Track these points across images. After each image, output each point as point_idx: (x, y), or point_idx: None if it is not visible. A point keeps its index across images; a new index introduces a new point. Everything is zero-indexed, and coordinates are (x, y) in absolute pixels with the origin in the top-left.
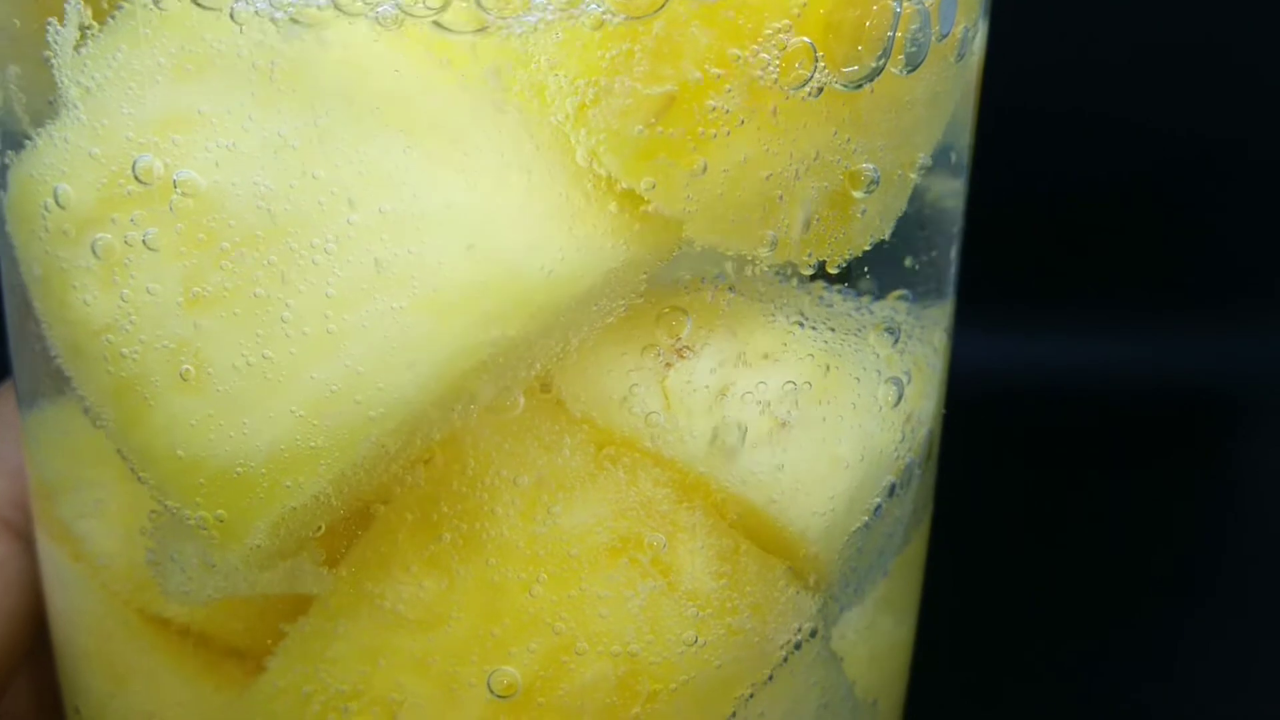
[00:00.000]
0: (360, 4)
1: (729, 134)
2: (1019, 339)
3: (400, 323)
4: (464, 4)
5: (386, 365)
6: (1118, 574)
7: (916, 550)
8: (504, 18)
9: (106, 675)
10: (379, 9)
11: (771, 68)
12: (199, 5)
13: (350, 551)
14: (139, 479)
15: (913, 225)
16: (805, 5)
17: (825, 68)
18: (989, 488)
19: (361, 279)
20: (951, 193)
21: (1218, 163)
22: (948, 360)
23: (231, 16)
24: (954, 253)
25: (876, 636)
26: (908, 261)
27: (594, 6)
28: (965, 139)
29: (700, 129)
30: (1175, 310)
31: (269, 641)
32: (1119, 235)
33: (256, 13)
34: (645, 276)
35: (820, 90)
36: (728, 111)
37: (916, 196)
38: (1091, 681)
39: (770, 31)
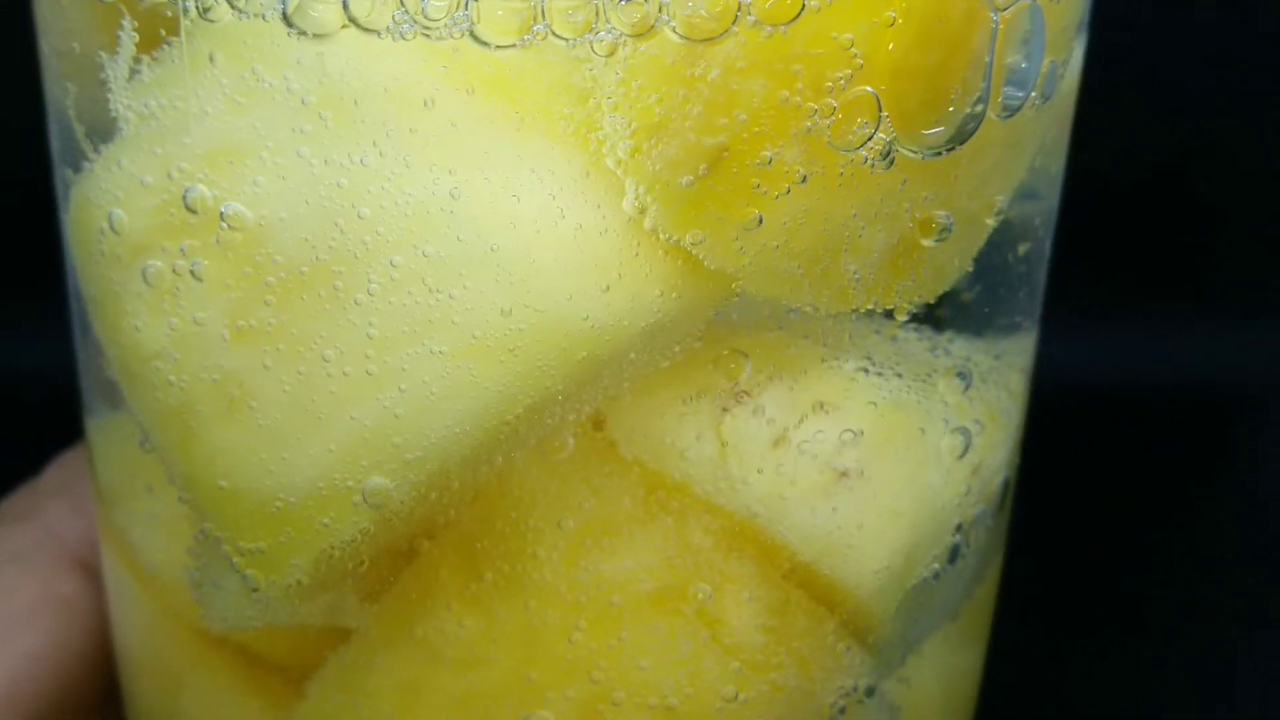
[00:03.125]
0: (414, 27)
1: (788, 191)
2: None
3: (439, 368)
4: (529, 30)
5: (424, 410)
6: (1120, 574)
7: (986, 592)
8: (568, 37)
9: (159, 686)
10: (433, 32)
11: (830, 126)
12: (250, 38)
13: (392, 586)
14: (183, 503)
15: (987, 266)
16: (870, 58)
17: (895, 133)
18: None
19: (403, 321)
20: (1033, 228)
21: (1224, 160)
22: (1025, 403)
23: (282, 47)
24: (1035, 283)
25: (939, 679)
26: (981, 302)
27: (664, 24)
28: (1054, 168)
29: (755, 182)
30: (1183, 306)
31: (314, 663)
32: (1123, 232)
33: (305, 41)
34: (701, 324)
35: (888, 155)
36: (786, 166)
37: (994, 238)
38: (1094, 681)
39: (832, 85)
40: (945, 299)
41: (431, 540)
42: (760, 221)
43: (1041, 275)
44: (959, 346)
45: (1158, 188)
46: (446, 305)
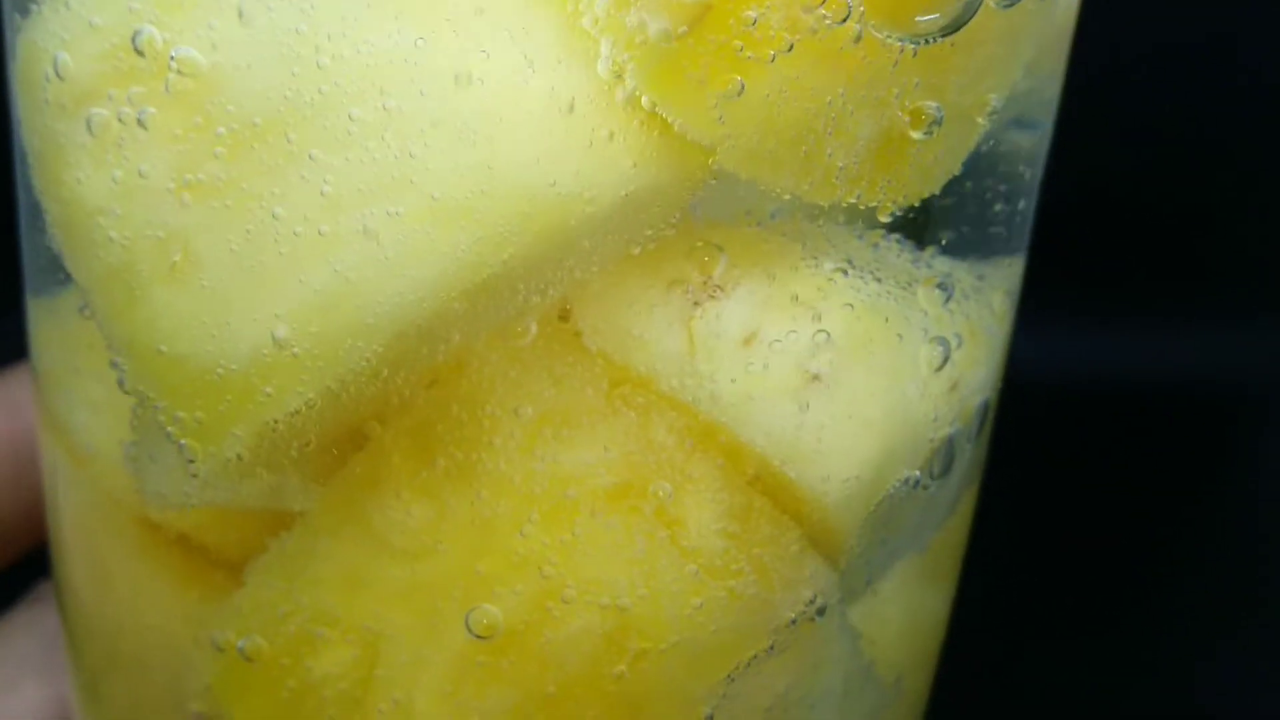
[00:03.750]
0: None
1: (772, 58)
2: (1024, 336)
3: (396, 231)
4: None
5: (379, 275)
6: (1119, 575)
7: (958, 527)
8: None
9: (93, 573)
10: None
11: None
12: None
13: (341, 470)
14: (121, 373)
15: (978, 175)
16: None
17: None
18: (992, 484)
19: (359, 179)
20: (1027, 144)
21: (1225, 160)
22: (1010, 328)
23: None
24: (1024, 210)
25: (904, 614)
26: (970, 214)
27: None
28: (1050, 91)
29: (738, 45)
30: (1182, 306)
31: (254, 554)
32: (1123, 231)
33: None
34: (675, 210)
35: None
36: (772, 29)
37: (987, 145)
38: (1095, 680)
39: None
40: (931, 211)
41: (384, 424)
42: (741, 90)
43: (1030, 206)
44: (942, 262)
45: (1157, 187)
46: (406, 164)
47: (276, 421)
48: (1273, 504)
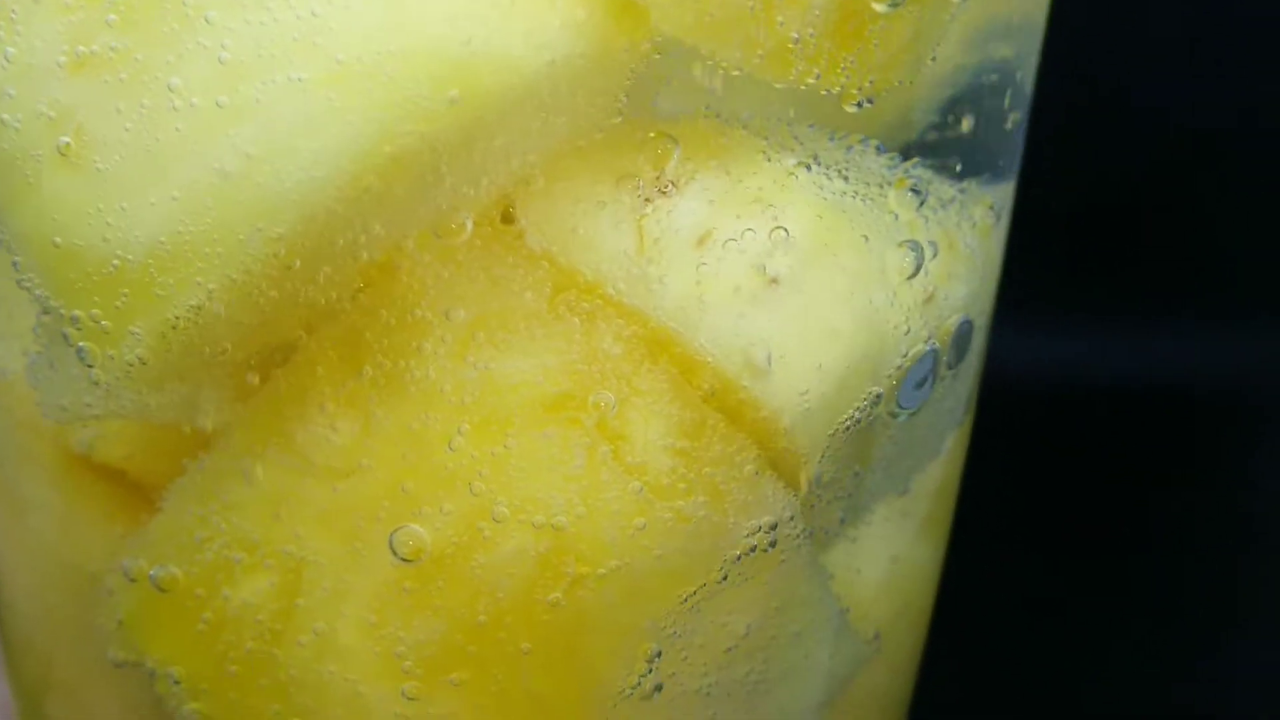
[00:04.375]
0: None
1: None
2: (1019, 338)
3: (299, 99)
4: None
5: (280, 150)
6: (1118, 574)
7: (946, 471)
8: None
9: (6, 509)
10: None
11: None
12: None
13: (265, 384)
14: (20, 273)
15: (958, 73)
16: None
17: None
18: (989, 487)
19: (260, 43)
20: (1014, 52)
21: (1223, 160)
22: (996, 251)
23: None
24: (1013, 125)
25: (884, 562)
26: (948, 119)
27: None
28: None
29: None
30: (1182, 306)
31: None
32: (1121, 233)
33: None
34: (619, 91)
35: None
36: None
37: (968, 42)
38: (1094, 680)
39: None
40: (905, 112)
41: (308, 333)
42: None
43: (1021, 123)
44: (919, 170)
45: (1157, 186)
46: (308, 23)
47: (178, 318)
48: (1272, 505)
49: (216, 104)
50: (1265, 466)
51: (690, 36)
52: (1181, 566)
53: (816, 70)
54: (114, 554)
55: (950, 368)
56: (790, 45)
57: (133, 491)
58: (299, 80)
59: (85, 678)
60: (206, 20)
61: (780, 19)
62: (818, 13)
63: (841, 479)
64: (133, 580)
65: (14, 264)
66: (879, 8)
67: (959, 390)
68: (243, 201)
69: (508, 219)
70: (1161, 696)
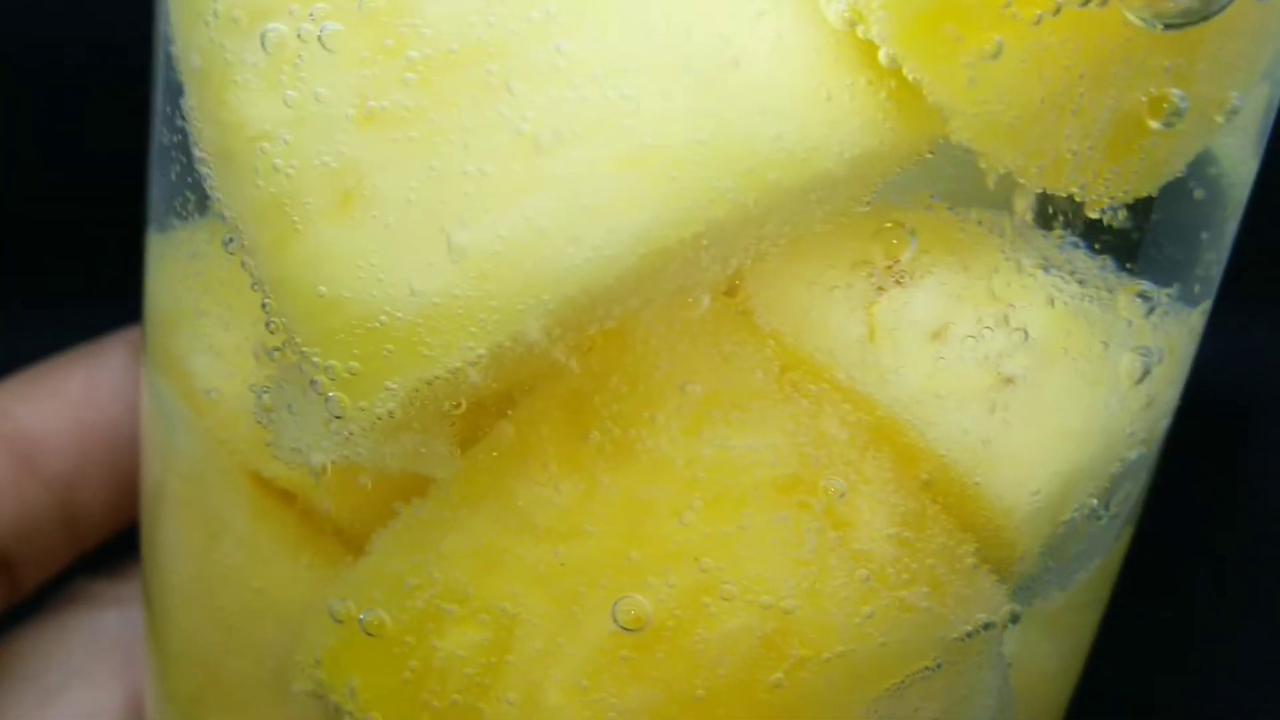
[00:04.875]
0: None
1: (1038, 19)
2: None
3: (598, 178)
4: None
5: (573, 225)
6: (1121, 573)
7: (1106, 569)
8: None
9: (197, 527)
10: None
11: None
12: None
13: (487, 438)
14: (270, 314)
15: (1198, 188)
16: None
17: None
18: None
19: (562, 119)
20: (1246, 163)
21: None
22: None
23: None
24: (1225, 240)
25: (1045, 655)
26: (1170, 239)
27: None
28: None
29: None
30: None
31: (379, 524)
32: None
33: None
34: (875, 183)
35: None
36: None
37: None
38: (1095, 681)
39: None
40: (1135, 221)
41: (536, 391)
42: (999, 50)
43: (1229, 239)
44: (1142, 276)
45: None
46: (616, 104)
47: (436, 378)
48: (1272, 505)
49: (510, 173)
50: (1265, 466)
51: (981, 142)
52: (1181, 566)
53: (1084, 180)
54: (317, 591)
55: (1148, 469)
56: (1069, 155)
57: (334, 529)
58: (600, 160)
59: (253, 700)
60: (510, 90)
61: (1068, 132)
62: (1099, 128)
63: (1040, 576)
64: (339, 621)
65: (264, 304)
66: (1155, 124)
67: (1144, 485)
68: (526, 272)
69: (731, 291)
70: (1161, 696)
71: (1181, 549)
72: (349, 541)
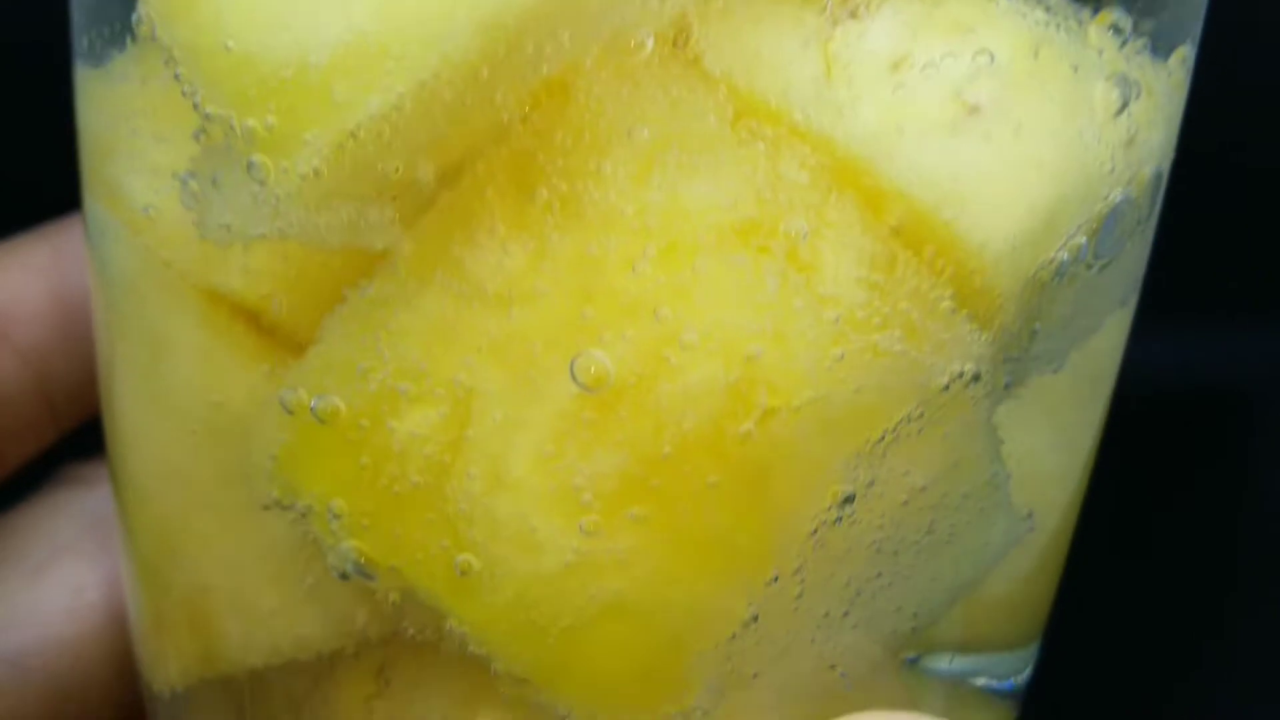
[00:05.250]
0: None
1: None
2: None
3: None
4: None
5: None
6: (1115, 576)
7: (1102, 353)
8: None
9: (146, 345)
10: None
11: None
12: None
13: (430, 208)
14: (184, 86)
15: None
16: None
17: None
18: None
19: None
20: None
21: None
22: (1178, 114)
23: None
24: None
25: (1044, 433)
26: None
27: None
28: None
29: None
30: (1181, 306)
31: (327, 312)
32: None
33: None
34: None
35: None
36: None
37: None
38: (1094, 680)
39: None
40: None
41: (479, 155)
42: None
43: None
44: (1117, 10)
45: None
46: None
47: (358, 126)
48: (1272, 505)
49: None
50: (1265, 466)
51: None
52: (1181, 566)
53: None
54: (267, 388)
55: (1139, 222)
56: None
57: (281, 335)
58: None
59: (221, 530)
60: None
61: None
62: None
63: (1022, 335)
64: (290, 413)
65: (175, 75)
66: None
67: (1136, 254)
68: (435, 2)
69: (680, 41)
70: (1161, 697)
71: (1181, 549)
72: (299, 337)
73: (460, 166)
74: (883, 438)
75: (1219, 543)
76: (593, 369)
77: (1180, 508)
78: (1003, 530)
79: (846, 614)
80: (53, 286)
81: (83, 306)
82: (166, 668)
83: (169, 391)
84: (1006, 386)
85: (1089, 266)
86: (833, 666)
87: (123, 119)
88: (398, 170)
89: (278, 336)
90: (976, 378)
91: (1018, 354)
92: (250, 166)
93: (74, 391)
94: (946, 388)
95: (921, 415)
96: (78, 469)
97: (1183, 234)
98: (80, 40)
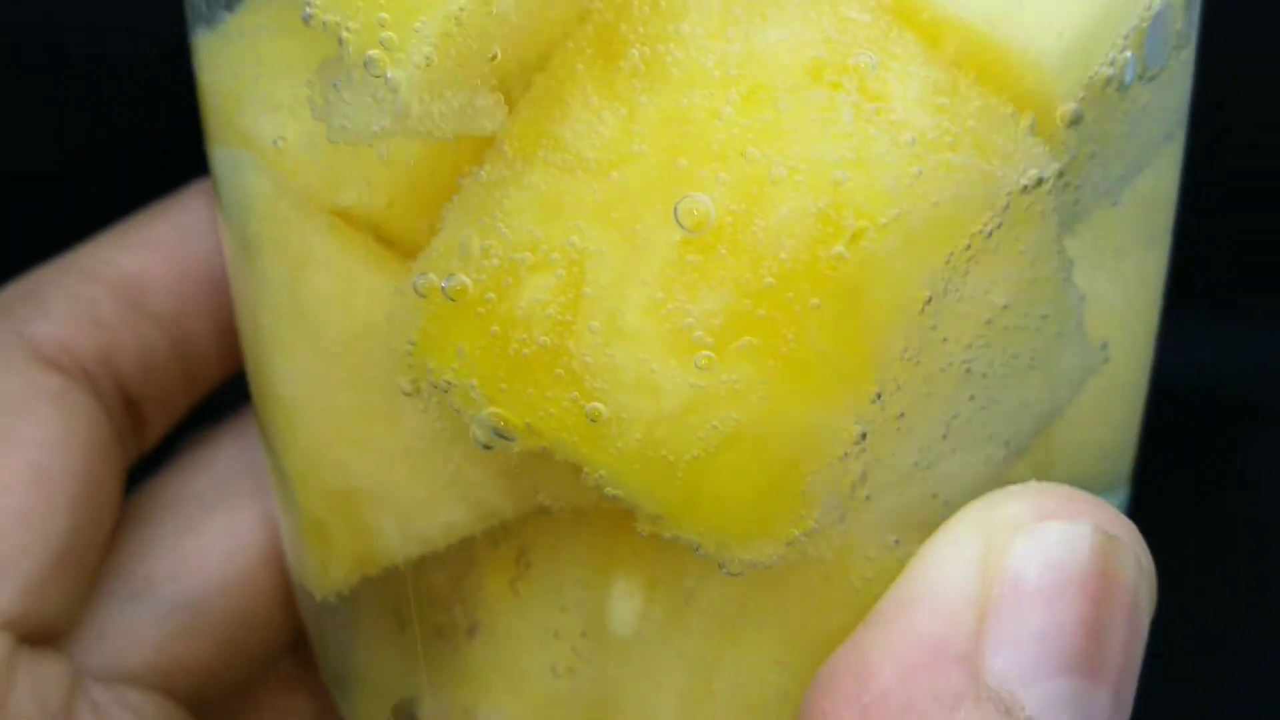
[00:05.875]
0: None
1: None
2: None
3: None
4: None
5: None
6: None
7: (1156, 189)
8: None
9: (285, 267)
10: None
11: None
12: None
13: (529, 90)
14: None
15: None
16: None
17: None
18: None
19: None
20: None
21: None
22: None
23: None
24: None
25: (1110, 261)
26: None
27: None
28: None
29: None
30: (1182, 307)
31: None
32: None
33: None
34: None
35: None
36: None
37: None
38: None
39: None
40: None
41: (567, 34)
42: None
43: None
44: None
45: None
46: None
47: (461, 9)
48: (1272, 505)
49: None
50: (1265, 466)
51: None
52: (1180, 566)
53: None
54: (399, 282)
55: (1181, 37)
56: None
57: (402, 234)
58: None
59: (368, 430)
60: None
61: None
62: None
63: (1080, 156)
64: (423, 296)
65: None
66: None
67: (1179, 82)
68: None
69: None
70: (1161, 696)
71: (1182, 549)
72: (421, 237)
73: (551, 46)
74: (967, 247)
75: (1218, 543)
76: (695, 211)
77: (1180, 508)
78: (1080, 358)
79: (945, 436)
80: (180, 257)
81: (206, 273)
82: (328, 574)
83: (309, 308)
84: (1072, 209)
85: (1140, 78)
86: (935, 495)
87: (245, 67)
88: (496, 56)
89: (404, 237)
90: (1041, 183)
91: (1078, 180)
92: (368, 63)
93: (208, 355)
94: (1024, 191)
95: (999, 225)
96: (214, 430)
97: (1182, 234)
98: (198, 4)
